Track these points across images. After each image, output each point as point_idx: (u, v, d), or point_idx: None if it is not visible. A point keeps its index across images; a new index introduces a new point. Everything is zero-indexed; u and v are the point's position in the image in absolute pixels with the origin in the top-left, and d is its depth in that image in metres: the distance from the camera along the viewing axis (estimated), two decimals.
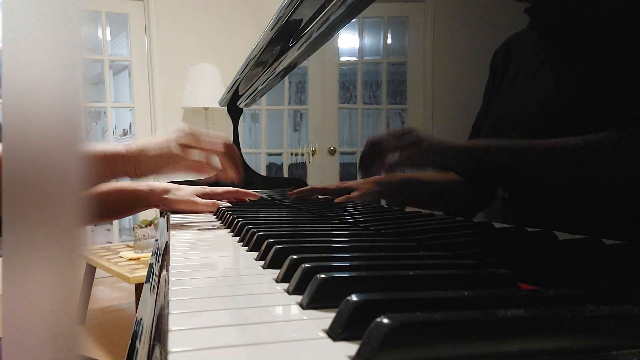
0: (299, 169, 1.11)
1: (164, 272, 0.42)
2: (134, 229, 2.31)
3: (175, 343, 0.24)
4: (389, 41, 0.68)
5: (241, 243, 0.58)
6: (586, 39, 0.32)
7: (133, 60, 3.30)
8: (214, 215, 0.96)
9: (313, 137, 1.00)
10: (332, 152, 0.88)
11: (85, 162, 0.16)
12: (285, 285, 0.36)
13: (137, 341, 0.29)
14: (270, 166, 1.50)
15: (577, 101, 0.33)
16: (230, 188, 1.06)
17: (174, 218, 0.90)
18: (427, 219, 0.52)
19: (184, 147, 0.77)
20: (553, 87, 0.35)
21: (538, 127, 0.36)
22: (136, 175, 0.76)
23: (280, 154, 1.34)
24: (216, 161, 0.82)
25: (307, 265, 0.34)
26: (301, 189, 1.00)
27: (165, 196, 0.95)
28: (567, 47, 0.34)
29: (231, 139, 1.65)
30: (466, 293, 0.27)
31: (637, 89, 0.28)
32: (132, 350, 0.28)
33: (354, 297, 0.25)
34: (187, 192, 1.00)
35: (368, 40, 0.75)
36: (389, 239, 0.55)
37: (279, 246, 0.44)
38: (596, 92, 0.31)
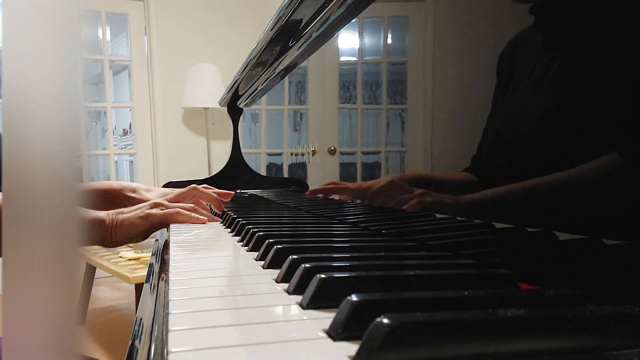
0: (299, 169, 1.11)
1: (163, 272, 0.42)
2: None
3: (175, 343, 0.24)
4: (389, 41, 0.68)
5: (241, 243, 0.58)
6: (589, 40, 0.32)
7: (133, 60, 3.29)
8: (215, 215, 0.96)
9: (313, 137, 1.00)
10: (332, 152, 0.88)
11: (84, 162, 0.16)
12: (285, 285, 0.36)
13: (137, 341, 0.29)
14: (270, 166, 1.50)
15: (576, 102, 0.33)
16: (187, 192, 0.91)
17: None
18: (427, 219, 0.52)
19: (155, 206, 0.82)
20: (554, 87, 0.35)
21: (539, 128, 0.36)
22: (110, 243, 0.78)
23: (280, 154, 1.34)
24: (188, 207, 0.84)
25: (307, 265, 0.34)
26: (324, 186, 0.93)
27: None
28: (569, 48, 0.34)
29: (231, 139, 1.65)
30: (466, 293, 0.27)
31: (636, 89, 0.28)
32: (132, 350, 0.28)
33: (354, 297, 0.25)
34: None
35: (368, 40, 0.75)
36: (389, 239, 0.55)
37: (279, 246, 0.44)
38: (595, 93, 0.31)
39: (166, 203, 0.83)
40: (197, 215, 0.80)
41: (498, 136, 0.41)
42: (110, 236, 0.77)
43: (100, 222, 0.76)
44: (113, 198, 0.96)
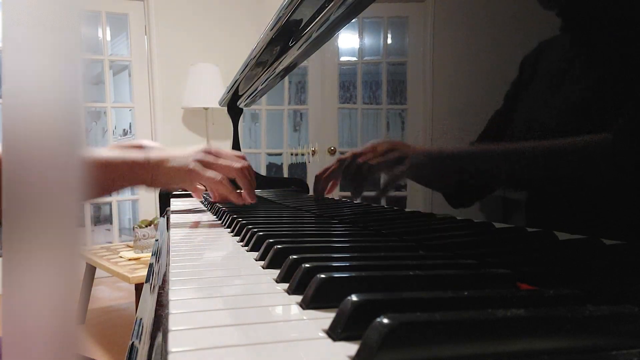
0: (299, 169, 1.11)
1: (164, 272, 0.42)
2: (134, 229, 2.31)
3: (175, 343, 0.24)
4: (389, 41, 0.68)
5: (241, 243, 0.58)
6: (589, 40, 0.32)
7: (133, 60, 3.30)
8: (214, 215, 0.96)
9: (313, 137, 1.00)
10: (332, 152, 0.88)
11: (84, 163, 0.16)
12: (285, 285, 0.36)
13: (137, 341, 0.29)
14: (270, 166, 1.50)
15: (578, 102, 0.33)
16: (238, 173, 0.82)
17: (174, 218, 0.90)
18: (427, 219, 0.52)
19: (202, 164, 0.79)
20: (555, 88, 0.35)
21: (539, 128, 0.37)
22: (152, 185, 0.77)
23: (280, 154, 1.34)
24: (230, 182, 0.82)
25: (307, 265, 0.34)
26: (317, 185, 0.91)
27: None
28: (569, 49, 0.34)
29: (231, 139, 1.66)
30: (466, 293, 0.27)
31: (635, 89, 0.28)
32: (132, 350, 0.28)
33: (354, 297, 0.25)
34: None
35: (368, 40, 0.75)
36: (388, 239, 0.55)
37: (279, 246, 0.44)
38: (599, 93, 0.31)
39: (211, 160, 0.79)
40: (238, 196, 0.78)
41: (502, 133, 0.41)
42: (151, 178, 0.76)
43: (140, 165, 0.75)
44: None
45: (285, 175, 1.25)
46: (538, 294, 0.28)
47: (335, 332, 0.24)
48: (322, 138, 0.93)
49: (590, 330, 0.23)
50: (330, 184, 0.84)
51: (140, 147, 0.88)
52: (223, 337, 0.25)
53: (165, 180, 0.77)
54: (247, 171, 0.83)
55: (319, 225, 0.68)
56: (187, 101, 3.16)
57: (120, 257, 2.22)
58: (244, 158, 0.85)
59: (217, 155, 0.82)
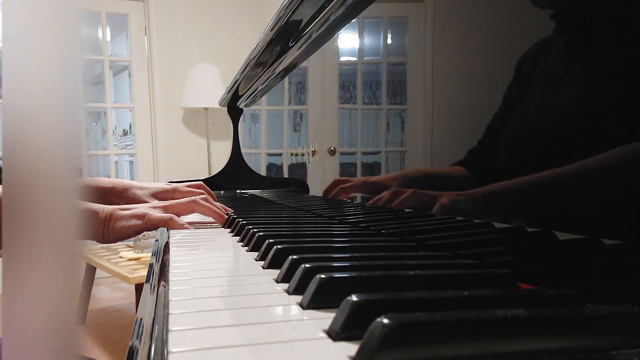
0: (299, 169, 1.11)
1: (164, 273, 0.42)
2: None
3: (175, 343, 0.24)
4: (389, 41, 0.68)
5: (241, 243, 0.58)
6: (589, 41, 0.32)
7: (133, 60, 3.29)
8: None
9: (313, 137, 1.00)
10: (332, 152, 0.88)
11: (84, 162, 0.16)
12: (286, 286, 0.36)
13: (137, 341, 0.29)
14: (270, 166, 1.50)
15: (578, 102, 0.33)
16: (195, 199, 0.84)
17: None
18: (427, 219, 0.52)
19: (154, 209, 0.79)
20: (555, 88, 0.35)
21: (539, 127, 0.36)
22: (104, 239, 0.76)
23: (280, 154, 1.34)
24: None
25: (307, 265, 0.34)
26: (333, 189, 0.89)
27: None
28: (585, 49, 0.34)
29: (231, 139, 1.66)
30: (466, 293, 0.27)
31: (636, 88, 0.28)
32: (132, 350, 0.28)
33: (354, 297, 0.25)
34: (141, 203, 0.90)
35: (368, 40, 0.75)
36: (389, 239, 0.55)
37: (279, 246, 0.44)
38: (599, 93, 0.31)
39: (164, 204, 0.81)
40: (188, 225, 0.79)
41: (502, 134, 0.41)
42: (103, 232, 0.75)
43: (94, 214, 0.74)
44: (104, 195, 0.95)
45: (285, 175, 1.25)
46: (538, 294, 0.28)
47: (336, 332, 0.24)
48: (322, 138, 0.93)
49: (590, 330, 0.23)
50: (344, 194, 0.83)
51: (110, 187, 0.90)
52: (223, 337, 0.25)
53: (117, 230, 0.75)
54: (202, 201, 0.83)
55: (319, 225, 0.68)
56: (187, 101, 3.16)
57: (120, 257, 2.22)
58: (200, 187, 0.87)
59: (172, 197, 0.84)
